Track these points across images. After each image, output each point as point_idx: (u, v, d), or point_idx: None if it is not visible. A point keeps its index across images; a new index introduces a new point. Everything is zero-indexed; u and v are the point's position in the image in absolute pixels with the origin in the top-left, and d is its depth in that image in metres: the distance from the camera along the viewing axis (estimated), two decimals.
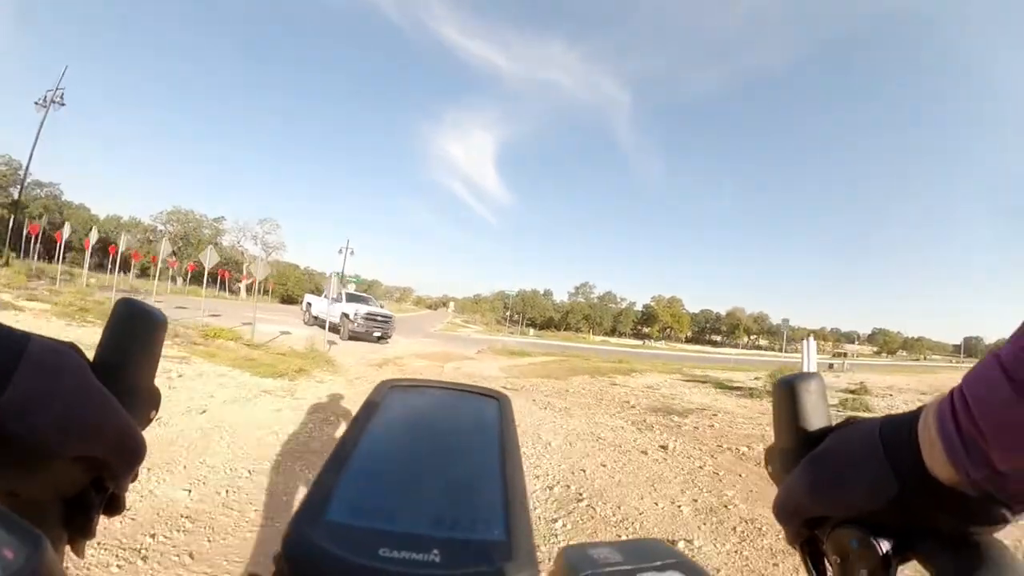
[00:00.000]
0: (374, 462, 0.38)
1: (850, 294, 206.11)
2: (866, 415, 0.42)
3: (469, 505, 0.34)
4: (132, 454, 0.38)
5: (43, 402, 0.30)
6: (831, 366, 32.99)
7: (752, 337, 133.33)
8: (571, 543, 0.43)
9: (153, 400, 0.43)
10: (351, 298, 20.66)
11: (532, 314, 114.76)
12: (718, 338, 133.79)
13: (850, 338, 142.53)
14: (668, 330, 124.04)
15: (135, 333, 0.41)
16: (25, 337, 0.31)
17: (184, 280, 49.97)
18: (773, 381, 0.61)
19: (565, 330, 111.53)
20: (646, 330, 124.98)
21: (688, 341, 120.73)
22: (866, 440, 0.38)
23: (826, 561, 0.44)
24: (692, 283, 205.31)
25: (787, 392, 0.47)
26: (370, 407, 0.45)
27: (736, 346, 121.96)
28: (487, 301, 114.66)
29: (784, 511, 0.45)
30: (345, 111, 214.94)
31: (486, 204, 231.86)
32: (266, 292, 61.23)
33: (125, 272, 45.54)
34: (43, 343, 0.32)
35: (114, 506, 0.40)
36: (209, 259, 15.36)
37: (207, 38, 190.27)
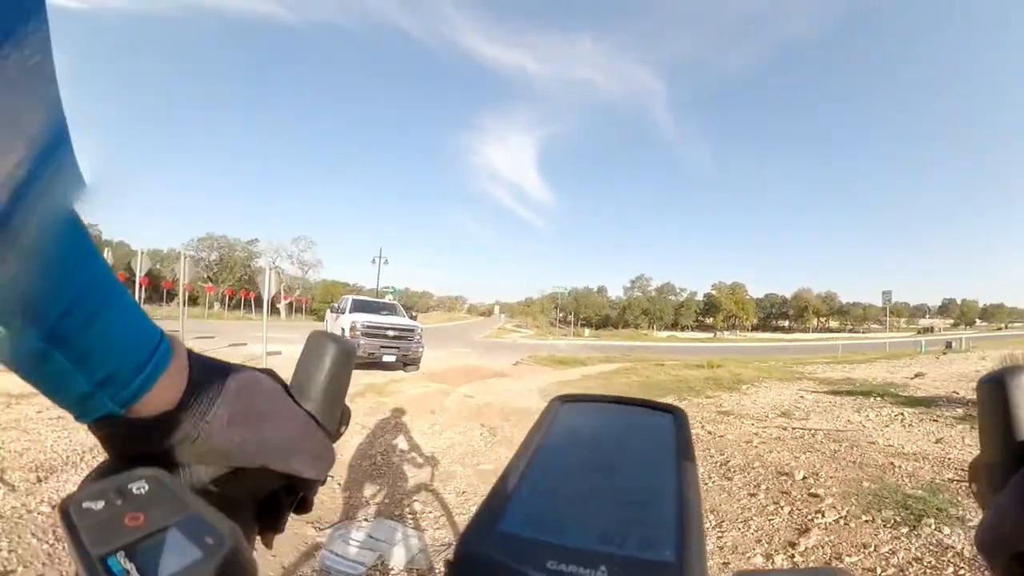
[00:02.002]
0: (547, 475, 0.37)
1: (911, 266, 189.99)
2: None
3: (640, 523, 0.32)
4: (322, 464, 0.43)
5: (244, 420, 0.36)
6: (949, 345, 27.44)
7: (821, 319, 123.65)
8: (743, 568, 0.32)
9: (344, 417, 0.48)
10: (359, 307, 15.14)
11: (587, 313, 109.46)
12: (785, 323, 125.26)
13: (920, 312, 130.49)
14: (733, 319, 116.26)
15: (325, 359, 0.46)
16: (228, 367, 0.37)
17: (224, 305, 49.05)
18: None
19: (623, 327, 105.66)
20: (709, 321, 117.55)
21: (754, 329, 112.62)
22: None
23: None
24: (751, 267, 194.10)
25: (996, 391, 0.39)
26: (543, 422, 0.44)
27: (806, 330, 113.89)
28: (538, 304, 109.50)
29: (990, 541, 0.36)
30: (387, 136, 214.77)
31: (532, 207, 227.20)
32: (312, 311, 60.31)
33: (168, 302, 44.54)
34: (242, 371, 0.38)
35: (303, 507, 0.45)
36: (269, 284, 13.28)
37: (245, 71, 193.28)
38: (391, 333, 13.33)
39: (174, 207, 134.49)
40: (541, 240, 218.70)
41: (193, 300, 52.35)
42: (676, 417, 0.45)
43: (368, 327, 13.15)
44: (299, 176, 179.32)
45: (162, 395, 0.32)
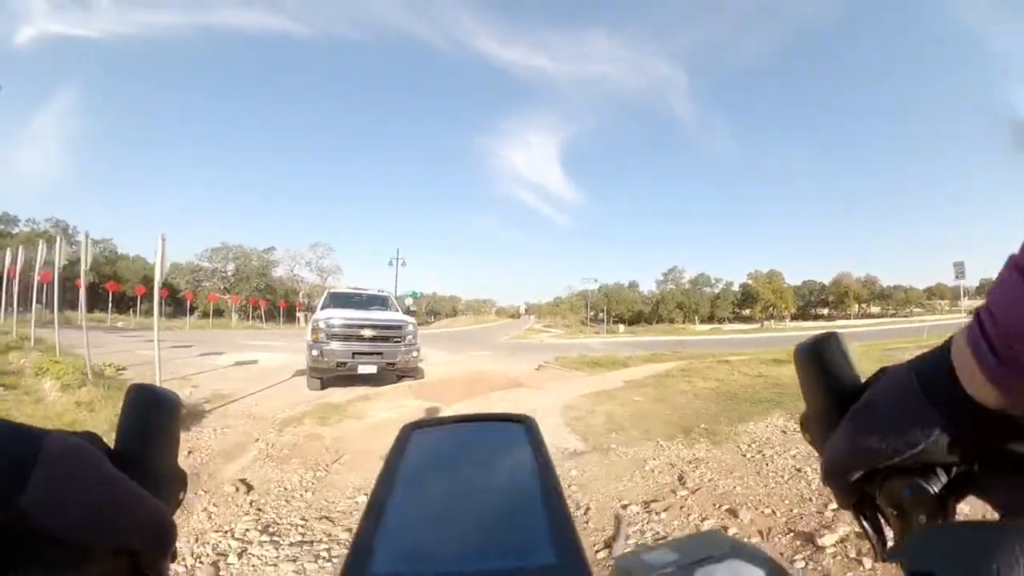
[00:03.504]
0: (410, 507, 0.37)
1: (945, 244, 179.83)
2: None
3: (514, 534, 0.33)
4: (163, 538, 0.38)
5: (65, 497, 0.30)
6: None
7: (862, 305, 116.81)
8: (625, 552, 0.41)
9: (179, 481, 0.43)
10: (336, 302, 11.38)
11: (618, 309, 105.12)
12: (824, 311, 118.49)
13: (955, 293, 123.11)
14: (771, 308, 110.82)
15: (149, 417, 0.41)
16: (41, 433, 0.31)
17: (244, 315, 48.07)
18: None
19: (657, 322, 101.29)
20: (746, 312, 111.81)
21: (794, 318, 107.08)
22: (901, 383, 0.38)
23: (881, 517, 0.43)
24: (786, 253, 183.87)
25: (810, 355, 0.46)
26: (396, 452, 0.45)
27: (847, 317, 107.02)
28: (567, 302, 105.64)
29: (832, 473, 0.44)
30: (411, 145, 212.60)
31: (558, 207, 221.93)
32: None
33: (189, 314, 43.23)
34: (59, 438, 0.32)
35: None
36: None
37: (265, 87, 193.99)
38: (368, 333, 9.83)
39: (197, 221, 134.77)
40: (569, 239, 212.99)
41: (219, 312, 51.47)
42: (526, 425, 0.48)
43: (336, 326, 9.74)
44: (321, 188, 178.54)
45: None
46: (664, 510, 3.59)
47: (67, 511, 0.30)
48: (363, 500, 4.04)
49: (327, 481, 4.52)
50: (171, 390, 0.45)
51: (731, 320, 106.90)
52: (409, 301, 21.71)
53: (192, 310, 48.09)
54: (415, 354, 10.37)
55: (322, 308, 10.91)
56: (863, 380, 0.44)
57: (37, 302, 13.47)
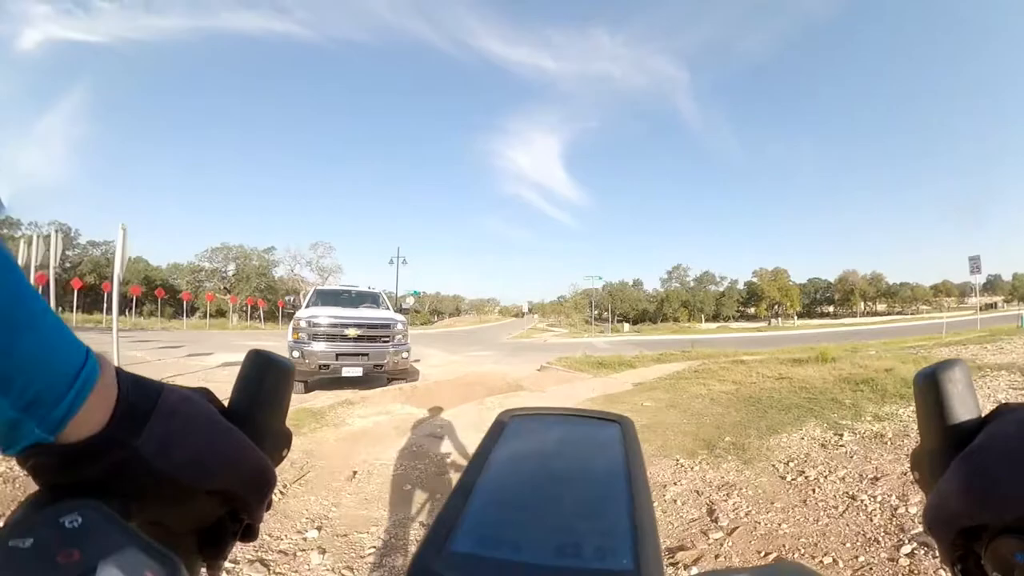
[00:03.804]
0: (497, 492, 0.37)
1: (951, 242, 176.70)
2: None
3: (595, 533, 0.33)
4: (263, 487, 0.41)
5: (179, 441, 0.33)
6: None
7: (868, 303, 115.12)
8: (703, 570, 0.40)
9: (284, 439, 0.47)
10: (323, 299, 10.73)
11: (623, 308, 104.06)
12: (830, 309, 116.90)
13: (962, 290, 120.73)
14: (776, 306, 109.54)
15: (263, 380, 0.44)
16: (159, 385, 0.35)
17: (248, 316, 47.56)
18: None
19: (662, 321, 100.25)
20: (751, 310, 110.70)
21: (800, 316, 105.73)
22: (1021, 426, 0.34)
23: None
24: (791, 251, 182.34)
25: (930, 386, 0.41)
26: (492, 437, 0.46)
27: (853, 315, 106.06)
28: (571, 301, 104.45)
29: (936, 522, 0.39)
30: (415, 145, 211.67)
31: (561, 206, 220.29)
32: None
33: (189, 315, 43.60)
34: (175, 390, 0.36)
35: (248, 534, 0.42)
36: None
37: (268, 89, 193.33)
38: (352, 332, 9.02)
39: (197, 224, 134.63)
40: (573, 238, 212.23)
41: (221, 312, 51.52)
42: (623, 426, 0.48)
43: (318, 325, 8.93)
44: (325, 189, 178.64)
45: (91, 418, 0.29)
46: (694, 561, 2.78)
47: (177, 455, 0.33)
48: (315, 536, 3.28)
49: (279, 508, 3.73)
50: (286, 357, 0.47)
51: (736, 319, 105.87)
52: (410, 300, 20.94)
53: (194, 310, 47.85)
54: (405, 355, 9.54)
55: (307, 306, 10.11)
56: (983, 417, 0.39)
57: None
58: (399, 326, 9.65)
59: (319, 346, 8.72)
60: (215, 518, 0.39)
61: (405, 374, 9.65)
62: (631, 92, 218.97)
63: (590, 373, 11.53)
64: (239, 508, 0.40)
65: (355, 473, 4.41)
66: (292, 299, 11.03)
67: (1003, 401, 0.35)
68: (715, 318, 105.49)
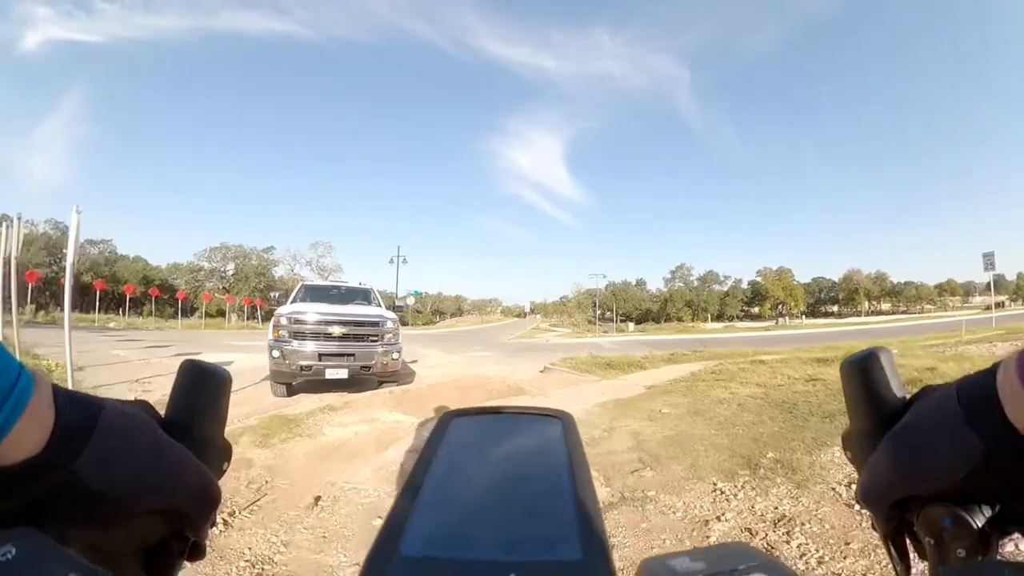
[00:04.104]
0: (444, 493, 0.38)
1: (953, 241, 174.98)
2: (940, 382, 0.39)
3: (543, 527, 0.34)
4: (207, 503, 0.40)
5: (120, 460, 0.33)
6: None
7: (872, 302, 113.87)
8: (649, 556, 0.38)
9: (225, 452, 0.46)
10: (310, 295, 9.94)
11: (626, 308, 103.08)
12: (835, 308, 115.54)
13: (967, 289, 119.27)
14: (781, 306, 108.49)
15: (200, 390, 0.44)
16: (99, 402, 0.34)
17: (246, 316, 46.92)
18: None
19: (666, 321, 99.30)
20: (755, 310, 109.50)
21: (804, 315, 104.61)
22: (943, 406, 0.36)
23: (912, 547, 0.42)
24: (794, 250, 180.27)
25: (857, 370, 0.45)
26: (436, 438, 0.46)
27: (858, 314, 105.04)
28: (574, 301, 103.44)
29: (869, 495, 0.42)
30: (416, 146, 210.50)
31: (563, 206, 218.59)
32: None
33: (188, 315, 43.63)
34: (115, 408, 0.34)
35: (195, 553, 0.42)
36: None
37: (267, 88, 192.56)
38: (337, 331, 8.18)
39: (198, 223, 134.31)
40: (575, 238, 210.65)
41: (221, 312, 50.63)
42: (564, 422, 0.49)
43: (299, 322, 8.09)
44: (325, 189, 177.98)
45: (25, 438, 0.28)
46: None
47: (118, 475, 0.32)
48: None
49: (219, 543, 2.94)
50: (222, 367, 0.46)
51: (740, 318, 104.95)
52: (411, 300, 20.06)
53: (194, 310, 47.18)
54: (396, 355, 8.67)
55: (292, 302, 9.31)
56: (908, 398, 0.42)
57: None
58: (389, 324, 8.82)
59: (300, 345, 7.91)
60: (160, 538, 0.38)
61: (396, 376, 8.83)
62: (632, 91, 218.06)
63: (597, 375, 10.68)
64: (184, 527, 0.39)
65: (318, 499, 3.59)
66: (276, 295, 10.15)
67: None
68: (719, 318, 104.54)
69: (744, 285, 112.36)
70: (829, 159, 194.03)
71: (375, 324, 8.66)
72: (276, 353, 7.74)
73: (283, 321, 8.06)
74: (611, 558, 0.30)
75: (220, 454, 0.44)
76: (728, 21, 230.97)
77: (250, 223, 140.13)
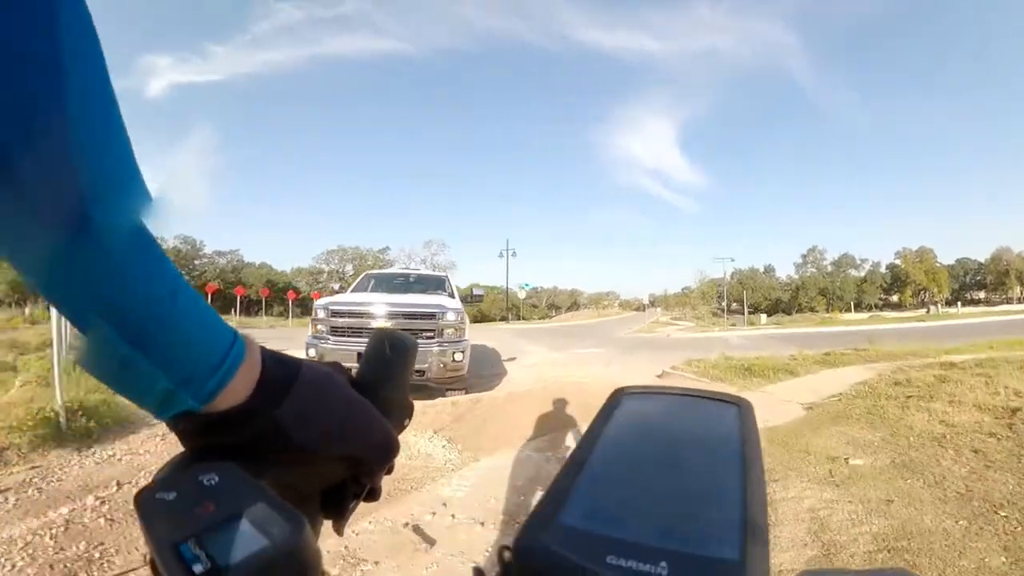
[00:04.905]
0: (608, 468, 0.38)
1: None
2: None
3: (702, 519, 0.32)
4: (387, 454, 0.44)
5: (314, 411, 0.38)
6: None
7: None
8: (810, 568, 0.40)
9: (407, 410, 0.50)
10: (376, 284, 9.10)
11: (754, 298, 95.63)
12: (981, 294, 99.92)
13: None
14: (922, 292, 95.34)
15: (387, 355, 0.48)
16: (300, 361, 0.39)
17: None
18: None
19: (797, 311, 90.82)
20: (893, 297, 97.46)
21: (948, 303, 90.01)
22: None
23: None
24: (931, 227, 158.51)
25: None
26: (605, 414, 0.45)
27: (1008, 301, 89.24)
28: (697, 291, 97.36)
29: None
30: (526, 144, 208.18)
31: (680, 192, 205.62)
32: None
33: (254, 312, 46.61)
34: (313, 366, 0.40)
35: (371, 495, 0.46)
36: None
37: (383, 104, 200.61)
38: (380, 325, 6.47)
39: (325, 230, 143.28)
40: (695, 225, 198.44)
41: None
42: (741, 409, 0.45)
43: (338, 315, 6.80)
44: (440, 189, 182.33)
45: (236, 390, 0.34)
46: None
47: (312, 424, 0.37)
48: None
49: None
50: (410, 335, 0.51)
51: (880, 307, 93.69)
52: (522, 294, 18.63)
53: (255, 309, 49.81)
54: (459, 356, 6.87)
55: (351, 293, 8.19)
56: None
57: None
58: (450, 316, 7.03)
59: (338, 344, 6.57)
60: (339, 480, 0.43)
61: (463, 382, 7.12)
62: (742, 64, 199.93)
63: (734, 383, 8.55)
64: (361, 473, 0.43)
65: None
66: (338, 287, 8.99)
67: None
68: (856, 307, 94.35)
69: (882, 269, 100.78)
70: (973, 119, 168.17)
71: (430, 316, 6.96)
72: (312, 352, 6.47)
73: (320, 314, 6.80)
74: (769, 564, 0.28)
75: (402, 412, 0.49)
76: None
77: (371, 226, 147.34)
